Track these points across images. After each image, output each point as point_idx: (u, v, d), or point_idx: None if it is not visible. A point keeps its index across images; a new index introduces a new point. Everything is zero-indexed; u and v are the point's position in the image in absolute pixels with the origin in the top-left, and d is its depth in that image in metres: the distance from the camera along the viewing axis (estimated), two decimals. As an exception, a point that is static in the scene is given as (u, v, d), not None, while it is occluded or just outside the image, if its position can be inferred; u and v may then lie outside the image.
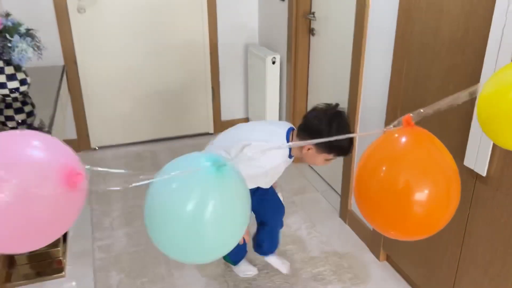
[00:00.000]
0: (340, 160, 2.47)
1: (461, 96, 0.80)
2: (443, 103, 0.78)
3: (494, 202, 1.47)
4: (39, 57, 2.05)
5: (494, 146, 1.43)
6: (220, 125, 3.67)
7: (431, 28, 1.65)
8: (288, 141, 1.70)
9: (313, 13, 2.78)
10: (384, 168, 0.73)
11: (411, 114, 0.74)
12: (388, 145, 0.75)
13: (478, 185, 1.53)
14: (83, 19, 3.06)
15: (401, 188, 0.70)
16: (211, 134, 3.67)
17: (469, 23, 1.47)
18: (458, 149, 1.56)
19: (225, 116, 3.68)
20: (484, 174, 1.47)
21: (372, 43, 2.06)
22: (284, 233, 2.39)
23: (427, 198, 0.71)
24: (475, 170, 1.50)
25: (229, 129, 1.86)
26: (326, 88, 2.79)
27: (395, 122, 0.76)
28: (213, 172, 0.68)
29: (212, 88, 3.54)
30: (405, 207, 0.71)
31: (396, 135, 0.75)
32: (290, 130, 1.74)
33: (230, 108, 3.68)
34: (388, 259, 2.19)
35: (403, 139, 0.74)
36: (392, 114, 1.96)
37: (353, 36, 2.19)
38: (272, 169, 1.70)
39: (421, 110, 0.74)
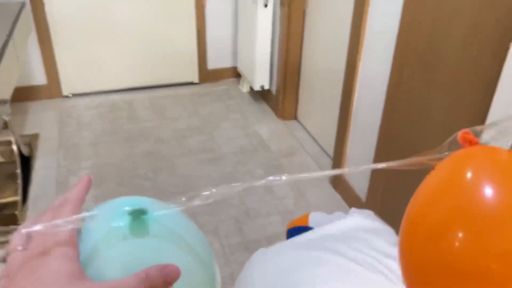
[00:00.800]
0: (334, 119, 2.21)
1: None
2: None
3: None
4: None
5: None
6: (206, 75, 3.35)
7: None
8: None
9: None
10: (460, 236, 0.39)
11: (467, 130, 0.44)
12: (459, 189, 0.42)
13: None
14: None
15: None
16: (196, 84, 3.36)
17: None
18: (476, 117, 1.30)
19: (211, 64, 3.35)
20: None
21: (380, -11, 1.73)
22: (268, 202, 2.18)
23: None
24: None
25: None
26: (324, 38, 2.46)
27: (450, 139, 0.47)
28: (127, 228, 0.41)
29: (198, 31, 3.18)
30: None
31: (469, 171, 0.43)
32: None
33: (217, 56, 3.34)
34: (381, 234, 1.99)
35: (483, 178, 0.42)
36: (397, 75, 1.67)
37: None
38: None
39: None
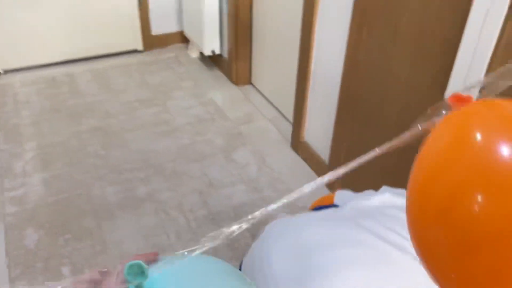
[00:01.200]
0: (291, 81, 2.15)
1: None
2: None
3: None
4: None
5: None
6: (151, 41, 3.16)
7: None
8: None
9: None
10: (480, 199, 0.35)
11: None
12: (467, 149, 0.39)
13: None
14: None
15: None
16: (141, 51, 3.16)
17: None
18: (439, 80, 1.29)
19: (156, 29, 3.16)
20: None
21: None
22: (231, 171, 2.12)
23: None
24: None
25: None
26: (277, 1, 2.36)
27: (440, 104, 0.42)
28: None
29: (138, -5, 2.97)
30: None
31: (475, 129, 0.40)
32: None
33: (162, 20, 3.14)
34: (346, 194, 1.99)
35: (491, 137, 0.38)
36: (356, 34, 1.63)
37: None
38: None
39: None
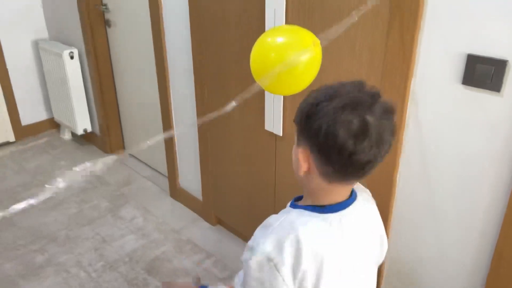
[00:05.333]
0: (160, 141, 2.59)
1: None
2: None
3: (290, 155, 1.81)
4: None
5: (284, 109, 1.75)
6: (23, 131, 3.36)
7: (218, 11, 1.87)
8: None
9: (106, 5, 2.75)
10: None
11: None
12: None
13: (278, 143, 1.85)
14: None
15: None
16: (13, 142, 3.33)
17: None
18: (259, 117, 1.85)
19: (25, 120, 3.37)
20: (280, 134, 1.79)
21: (170, 28, 2.20)
22: (120, 226, 2.42)
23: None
24: (274, 132, 1.81)
25: None
26: (135, 76, 2.83)
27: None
28: None
29: (3, 91, 3.19)
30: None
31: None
32: None
33: (30, 109, 3.38)
34: (221, 222, 2.44)
35: None
36: (200, 93, 2.15)
37: (151, 24, 2.28)
38: None
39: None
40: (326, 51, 1.12)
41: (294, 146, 0.93)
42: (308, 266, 0.84)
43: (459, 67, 1.22)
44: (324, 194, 0.90)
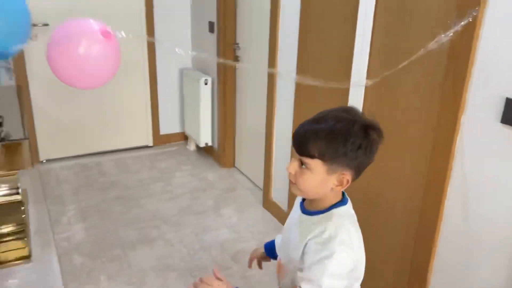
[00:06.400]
0: (262, 164, 3.08)
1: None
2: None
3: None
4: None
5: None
6: (160, 138, 4.16)
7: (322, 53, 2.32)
8: None
9: (238, 44, 3.41)
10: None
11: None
12: None
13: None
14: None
15: None
16: (151, 146, 4.13)
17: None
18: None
19: (163, 130, 4.18)
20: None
21: (282, 64, 2.72)
22: (218, 221, 2.94)
23: None
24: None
25: None
26: (250, 104, 3.41)
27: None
28: None
29: (151, 105, 4.03)
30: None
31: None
32: None
33: (168, 123, 4.18)
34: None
35: None
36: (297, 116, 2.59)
37: (268, 64, 2.83)
38: None
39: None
40: (395, 90, 1.46)
41: (317, 176, 1.10)
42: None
43: (499, 108, 1.47)
44: (338, 195, 1.19)
